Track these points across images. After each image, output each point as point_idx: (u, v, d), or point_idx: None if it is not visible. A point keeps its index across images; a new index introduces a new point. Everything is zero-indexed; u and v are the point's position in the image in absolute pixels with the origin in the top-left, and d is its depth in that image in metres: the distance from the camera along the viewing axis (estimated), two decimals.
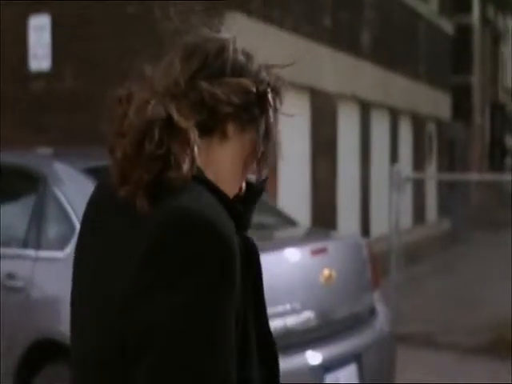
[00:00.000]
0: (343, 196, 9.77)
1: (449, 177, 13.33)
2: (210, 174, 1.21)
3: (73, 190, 3.76)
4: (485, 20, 21.27)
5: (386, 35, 11.58)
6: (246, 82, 1.23)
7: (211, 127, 1.22)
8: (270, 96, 1.26)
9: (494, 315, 7.46)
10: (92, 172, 3.77)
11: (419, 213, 13.21)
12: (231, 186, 1.27)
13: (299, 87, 8.34)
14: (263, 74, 1.27)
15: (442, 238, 13.91)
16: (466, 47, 18.95)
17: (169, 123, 1.16)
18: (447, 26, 15.58)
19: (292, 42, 8.28)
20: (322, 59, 9.14)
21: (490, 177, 14.79)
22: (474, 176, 13.08)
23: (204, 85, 1.21)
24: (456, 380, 5.65)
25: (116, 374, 1.12)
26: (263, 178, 1.32)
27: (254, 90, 1.24)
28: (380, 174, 11.00)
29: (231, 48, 1.25)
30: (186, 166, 1.13)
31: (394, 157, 11.82)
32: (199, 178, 1.16)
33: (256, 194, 1.31)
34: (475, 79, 19.92)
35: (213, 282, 1.05)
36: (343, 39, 9.90)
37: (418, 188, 12.96)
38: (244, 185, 1.31)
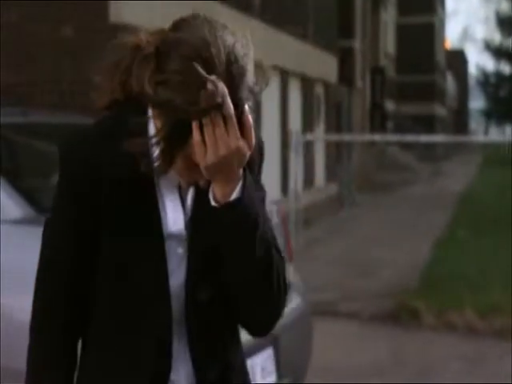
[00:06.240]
0: None
1: (350, 138, 13.21)
2: None
3: None
4: None
5: None
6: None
7: None
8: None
9: (392, 280, 7.37)
10: None
11: (308, 177, 13.06)
12: None
13: None
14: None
15: (331, 202, 13.87)
16: (348, 11, 18.93)
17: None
18: None
19: None
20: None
21: (392, 138, 14.86)
22: (376, 137, 13.09)
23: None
24: (360, 348, 5.47)
25: None
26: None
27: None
28: (271, 136, 10.70)
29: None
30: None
31: (284, 119, 11.54)
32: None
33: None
34: (356, 43, 19.99)
35: (60, 183, 1.43)
36: None
37: (307, 152, 12.79)
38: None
